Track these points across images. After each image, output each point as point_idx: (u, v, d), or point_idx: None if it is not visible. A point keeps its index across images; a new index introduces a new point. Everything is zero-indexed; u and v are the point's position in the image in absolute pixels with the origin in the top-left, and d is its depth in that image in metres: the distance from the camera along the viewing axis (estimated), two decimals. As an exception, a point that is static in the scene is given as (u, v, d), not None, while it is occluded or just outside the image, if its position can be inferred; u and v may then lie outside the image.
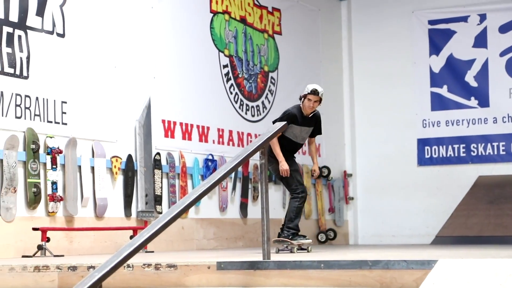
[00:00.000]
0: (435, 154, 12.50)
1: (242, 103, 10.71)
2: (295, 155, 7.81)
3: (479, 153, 12.27)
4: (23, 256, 7.19)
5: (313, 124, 7.70)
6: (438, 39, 12.54)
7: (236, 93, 10.63)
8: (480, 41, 12.34)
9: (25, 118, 7.45)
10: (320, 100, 7.54)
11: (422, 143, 12.57)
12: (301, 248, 7.44)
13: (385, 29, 12.86)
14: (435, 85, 12.56)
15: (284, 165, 7.42)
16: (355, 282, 4.67)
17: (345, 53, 13.08)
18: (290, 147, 7.61)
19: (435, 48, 12.56)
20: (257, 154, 5.45)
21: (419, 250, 7.59)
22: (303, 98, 7.56)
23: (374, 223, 12.71)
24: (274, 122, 7.45)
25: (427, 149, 12.54)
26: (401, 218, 12.54)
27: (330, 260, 4.80)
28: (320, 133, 7.82)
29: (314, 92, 7.47)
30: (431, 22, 12.61)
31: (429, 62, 12.61)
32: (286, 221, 7.54)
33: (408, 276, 4.55)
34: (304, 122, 7.61)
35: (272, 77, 11.41)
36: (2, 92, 7.24)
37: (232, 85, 10.56)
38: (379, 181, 12.70)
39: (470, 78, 12.38)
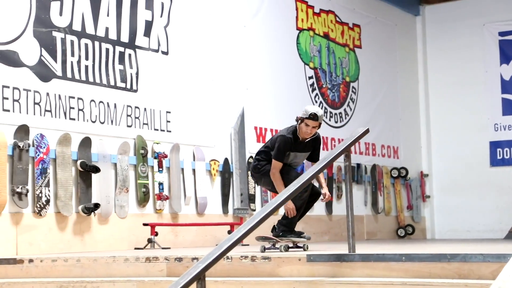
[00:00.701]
0: (506, 155, 12.14)
1: (326, 110, 10.65)
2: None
3: (549, 154, 11.89)
4: (135, 248, 7.33)
5: (310, 148, 6.13)
6: (508, 49, 12.18)
7: (321, 102, 10.59)
8: (549, 50, 11.95)
9: (135, 127, 7.62)
10: (319, 125, 5.97)
11: (494, 145, 12.22)
12: (296, 246, 6.13)
13: (457, 41, 12.56)
14: (505, 92, 12.20)
15: (290, 204, 6.01)
16: (434, 273, 4.59)
17: (420, 64, 12.85)
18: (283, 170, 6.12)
19: (506, 57, 12.21)
20: (341, 157, 5.42)
21: (494, 244, 7.36)
22: (300, 121, 6.00)
23: (450, 219, 12.44)
24: (267, 151, 6.25)
25: (499, 151, 12.19)
26: (475, 214, 12.22)
27: (411, 253, 4.72)
28: (318, 159, 6.08)
29: (313, 117, 5.90)
30: (501, 34, 12.25)
31: (500, 71, 12.25)
32: (282, 216, 6.22)
33: (484, 268, 4.44)
34: (299, 148, 6.08)
35: (353, 87, 11.31)
36: (115, 104, 7.42)
37: (317, 94, 10.52)
38: (454, 181, 12.42)
39: (539, 84, 11.99)
